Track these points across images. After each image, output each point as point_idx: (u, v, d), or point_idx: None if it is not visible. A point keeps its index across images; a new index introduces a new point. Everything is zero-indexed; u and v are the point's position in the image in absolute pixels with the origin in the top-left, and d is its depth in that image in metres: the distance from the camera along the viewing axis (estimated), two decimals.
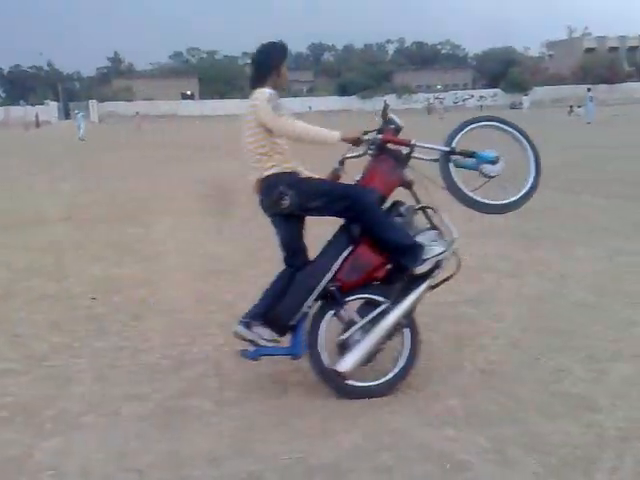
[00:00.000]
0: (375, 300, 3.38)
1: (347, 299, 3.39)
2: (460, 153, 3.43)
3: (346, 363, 3.21)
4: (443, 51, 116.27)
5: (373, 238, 3.35)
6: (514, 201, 3.48)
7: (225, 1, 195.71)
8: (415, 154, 3.47)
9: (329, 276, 3.34)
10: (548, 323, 4.28)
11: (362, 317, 3.34)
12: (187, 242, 7.29)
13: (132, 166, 17.51)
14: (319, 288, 3.34)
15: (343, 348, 3.30)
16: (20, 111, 65.72)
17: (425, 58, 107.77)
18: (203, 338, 4.25)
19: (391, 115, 3.59)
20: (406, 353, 3.39)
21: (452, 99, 73.86)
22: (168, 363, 3.86)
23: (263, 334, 3.38)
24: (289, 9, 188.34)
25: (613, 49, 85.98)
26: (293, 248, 3.51)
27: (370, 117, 52.96)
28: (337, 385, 3.31)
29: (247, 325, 3.40)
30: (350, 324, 3.34)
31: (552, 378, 3.47)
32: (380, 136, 3.48)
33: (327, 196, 3.38)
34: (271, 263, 6.00)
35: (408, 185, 3.48)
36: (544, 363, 3.66)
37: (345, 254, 3.37)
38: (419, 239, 3.36)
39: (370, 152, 3.52)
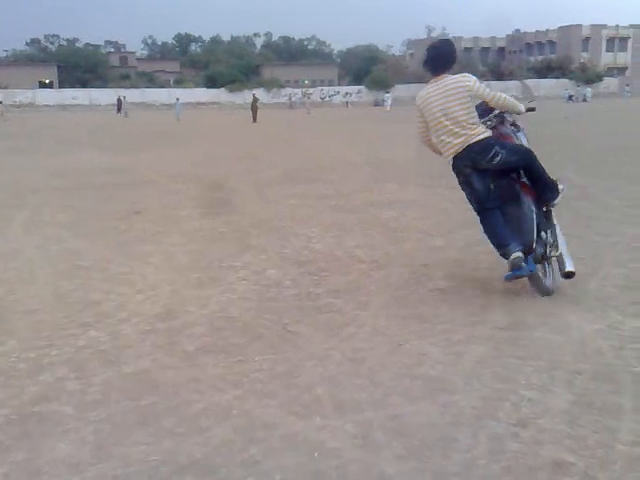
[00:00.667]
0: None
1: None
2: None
3: (571, 263, 4.62)
4: (310, 47, 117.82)
5: (531, 181, 4.76)
6: None
7: None
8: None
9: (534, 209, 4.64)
10: (411, 310, 4.48)
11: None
12: (46, 238, 6.88)
13: None
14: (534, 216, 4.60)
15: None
16: None
17: (292, 53, 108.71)
18: (63, 339, 4.03)
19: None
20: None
21: (319, 95, 75.05)
22: (25, 367, 3.61)
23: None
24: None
25: (468, 49, 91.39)
26: (488, 195, 4.70)
27: (239, 110, 52.27)
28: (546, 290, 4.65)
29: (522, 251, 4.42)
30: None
31: (413, 362, 3.63)
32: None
33: (519, 153, 4.71)
34: (143, 259, 5.91)
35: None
36: (406, 348, 3.83)
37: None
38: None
39: (488, 123, 4.82)
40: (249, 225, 7.47)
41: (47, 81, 76.97)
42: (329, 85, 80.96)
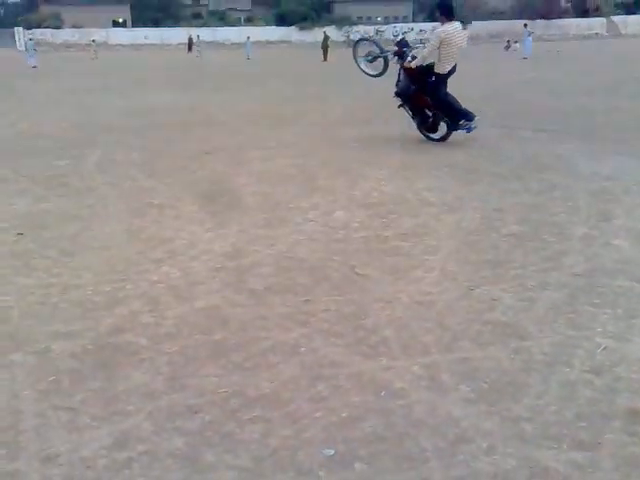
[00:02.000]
0: None
1: None
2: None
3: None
4: None
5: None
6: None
7: None
8: None
9: None
10: (482, 255, 4.37)
11: None
12: (119, 176, 7.04)
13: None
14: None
15: None
16: None
17: None
18: (137, 274, 4.15)
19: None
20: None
21: (392, 32, 72.96)
22: (100, 300, 3.75)
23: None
24: None
25: None
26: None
27: (309, 48, 51.64)
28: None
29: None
30: None
31: (484, 307, 3.56)
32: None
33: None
34: (212, 199, 5.98)
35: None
36: (477, 294, 3.75)
37: None
38: None
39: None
40: (317, 166, 7.42)
41: (120, 20, 77.88)
42: (403, 22, 78.46)
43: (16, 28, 65.67)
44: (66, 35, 66.15)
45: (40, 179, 6.90)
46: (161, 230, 5.10)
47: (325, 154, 8.19)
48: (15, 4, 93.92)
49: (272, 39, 66.39)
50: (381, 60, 8.95)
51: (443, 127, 8.66)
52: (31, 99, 16.53)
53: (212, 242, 4.78)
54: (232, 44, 64.22)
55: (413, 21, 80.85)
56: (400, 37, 9.24)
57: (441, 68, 8.21)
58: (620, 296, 3.66)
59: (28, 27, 65.84)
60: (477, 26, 69.48)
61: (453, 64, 8.22)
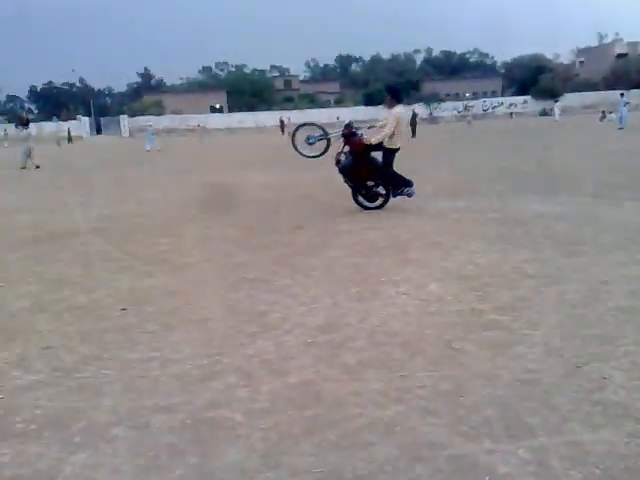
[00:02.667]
0: None
1: None
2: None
3: None
4: (471, 59, 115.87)
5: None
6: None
7: (253, 19, 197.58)
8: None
9: None
10: (589, 330, 4.12)
11: None
12: (215, 251, 7.27)
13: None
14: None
15: None
16: (52, 127, 66.96)
17: (454, 67, 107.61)
18: (233, 348, 4.19)
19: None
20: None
21: (481, 106, 73.30)
22: (198, 373, 3.80)
23: None
24: (317, 24, 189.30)
25: None
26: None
27: None
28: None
29: None
30: None
31: (593, 386, 3.32)
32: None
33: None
34: (305, 272, 6.04)
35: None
36: (585, 371, 3.51)
37: None
38: None
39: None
40: (409, 239, 7.38)
41: (217, 106, 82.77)
42: (492, 97, 78.80)
43: (121, 116, 71.12)
44: (167, 121, 70.99)
45: (142, 256, 7.23)
46: (255, 304, 5.17)
47: (417, 226, 8.16)
48: (121, 94, 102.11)
49: (361, 118, 68.10)
50: (324, 142, 9.93)
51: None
52: (138, 179, 17.61)
53: (305, 316, 4.79)
54: (322, 124, 66.45)
55: (502, 95, 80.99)
56: (348, 121, 9.91)
57: (393, 144, 9.45)
58: None
59: (132, 115, 71.21)
60: (570, 98, 68.84)
61: (404, 140, 9.67)
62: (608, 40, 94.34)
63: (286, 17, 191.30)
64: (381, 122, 9.98)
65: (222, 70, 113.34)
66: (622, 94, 35.99)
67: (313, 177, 16.02)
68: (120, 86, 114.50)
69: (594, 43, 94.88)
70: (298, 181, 15.13)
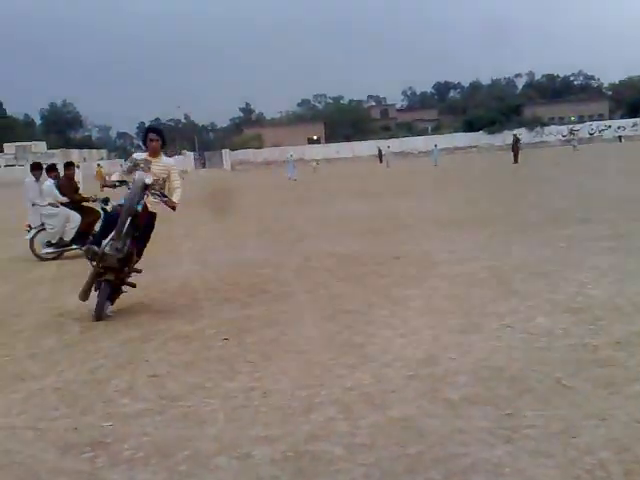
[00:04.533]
0: None
1: None
2: None
3: None
4: (576, 82, 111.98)
5: None
6: None
7: (348, 48, 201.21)
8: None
9: None
10: None
11: None
12: (315, 282, 7.32)
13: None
14: None
15: None
16: None
17: (557, 90, 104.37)
18: (331, 380, 4.17)
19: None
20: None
21: (587, 130, 70.50)
22: (298, 405, 3.80)
23: None
24: (413, 52, 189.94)
25: None
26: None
27: (498, 151, 51.45)
28: None
29: None
30: None
31: None
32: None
33: None
34: (399, 303, 5.96)
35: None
36: None
37: None
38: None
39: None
40: (512, 269, 7.12)
41: (315, 137, 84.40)
42: (599, 120, 75.64)
43: (223, 150, 74.01)
44: (266, 154, 73.20)
45: (244, 286, 7.40)
46: (353, 335, 5.14)
47: (520, 256, 7.86)
48: (223, 129, 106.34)
49: (460, 145, 67.28)
50: None
51: None
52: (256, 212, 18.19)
53: (405, 348, 4.70)
54: (419, 152, 66.20)
55: (610, 118, 77.60)
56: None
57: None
58: None
59: (233, 149, 73.96)
60: None
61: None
62: None
63: (381, 46, 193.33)
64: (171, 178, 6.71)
65: (320, 102, 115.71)
66: None
67: (407, 205, 15.91)
68: (223, 121, 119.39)
69: None
70: (396, 209, 15.05)
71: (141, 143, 6.49)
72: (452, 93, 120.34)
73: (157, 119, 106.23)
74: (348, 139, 79.13)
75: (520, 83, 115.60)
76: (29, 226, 11.00)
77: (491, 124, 72.33)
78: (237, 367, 4.57)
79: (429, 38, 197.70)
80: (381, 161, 53.89)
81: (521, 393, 3.70)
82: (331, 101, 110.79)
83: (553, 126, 72.69)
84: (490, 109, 78.61)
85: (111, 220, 6.29)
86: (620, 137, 65.83)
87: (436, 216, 13.05)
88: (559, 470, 2.81)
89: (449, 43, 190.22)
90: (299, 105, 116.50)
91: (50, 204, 10.86)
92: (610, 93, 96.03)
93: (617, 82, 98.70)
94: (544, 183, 19.46)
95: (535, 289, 6.10)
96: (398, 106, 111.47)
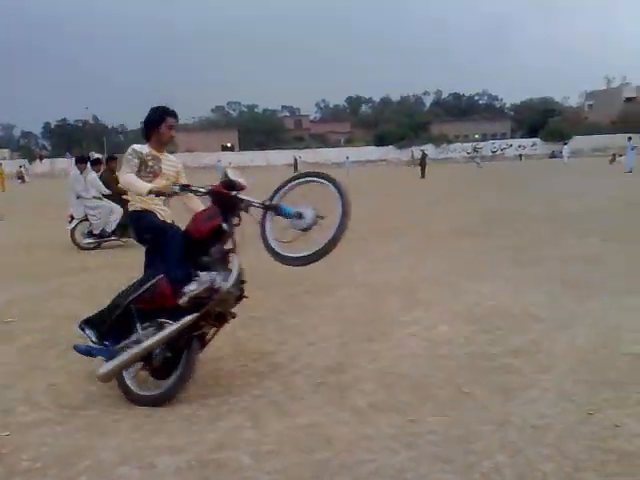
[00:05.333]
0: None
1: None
2: (267, 207, 4.02)
3: (103, 368, 3.94)
4: (480, 102, 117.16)
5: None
6: (314, 252, 3.97)
7: (265, 58, 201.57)
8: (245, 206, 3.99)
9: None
10: (601, 376, 4.06)
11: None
12: None
13: None
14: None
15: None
16: (65, 163, 67.62)
17: (462, 109, 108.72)
18: (240, 388, 4.15)
19: (229, 172, 4.08)
20: (181, 368, 3.92)
21: (490, 148, 73.83)
22: (205, 413, 3.76)
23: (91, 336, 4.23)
24: (327, 65, 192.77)
25: None
26: None
27: (406, 166, 53.04)
28: (129, 393, 3.96)
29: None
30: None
31: (607, 434, 3.25)
32: (210, 187, 4.06)
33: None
34: (309, 311, 6.01)
35: (223, 233, 3.97)
36: (598, 418, 3.45)
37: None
38: (202, 277, 3.86)
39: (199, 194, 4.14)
40: (419, 279, 7.35)
41: (229, 144, 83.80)
42: (501, 139, 79.45)
43: None
44: (180, 159, 71.69)
45: None
46: (263, 343, 5.14)
47: (427, 267, 8.13)
48: (133, 131, 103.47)
49: (371, 158, 68.81)
50: None
51: None
52: None
53: (314, 356, 4.75)
54: (332, 163, 67.12)
55: (511, 137, 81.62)
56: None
57: None
58: None
59: None
60: (579, 141, 69.31)
61: None
62: (615, 84, 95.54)
63: (297, 58, 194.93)
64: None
65: (234, 110, 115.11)
66: (630, 138, 36.25)
67: None
68: (134, 124, 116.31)
69: (602, 87, 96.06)
70: None
71: (144, 132, 4.78)
72: (364, 107, 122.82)
73: (64, 119, 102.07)
74: (262, 148, 79.10)
75: (428, 101, 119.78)
76: (71, 216, 11.43)
77: (400, 139, 74.50)
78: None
79: (343, 52, 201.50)
80: (295, 170, 54.51)
81: (424, 399, 3.83)
82: (245, 109, 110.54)
83: (458, 143, 75.68)
84: (400, 125, 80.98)
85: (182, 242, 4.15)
86: (521, 156, 69.34)
87: (350, 227, 13.23)
88: (458, 475, 2.93)
89: (361, 58, 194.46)
90: (213, 111, 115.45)
91: (94, 197, 11.38)
92: (512, 113, 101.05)
93: (519, 103, 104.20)
94: (448, 199, 20.20)
95: (439, 299, 6.33)
96: (312, 117, 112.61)
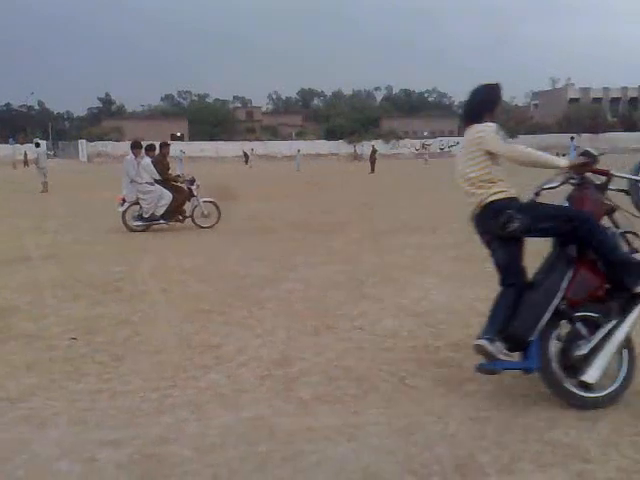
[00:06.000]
0: (595, 318, 3.67)
1: (575, 315, 3.66)
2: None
3: (593, 374, 3.50)
4: (430, 99, 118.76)
5: (599, 257, 3.66)
6: None
7: (217, 48, 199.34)
8: (610, 184, 3.88)
9: (560, 295, 3.60)
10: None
11: (589, 334, 3.63)
12: (170, 281, 7.18)
13: None
14: (553, 306, 3.59)
15: (581, 362, 3.56)
16: (8, 149, 65.40)
17: (413, 105, 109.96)
18: (185, 381, 4.13)
19: (587, 148, 3.89)
20: (625, 369, 3.69)
21: (438, 145, 74.98)
22: (148, 407, 3.72)
23: (502, 349, 3.62)
24: (279, 56, 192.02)
25: (596, 100, 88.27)
26: (513, 269, 3.88)
27: (356, 160, 53.49)
28: (572, 397, 3.58)
29: (491, 340, 3.60)
30: (578, 339, 3.62)
31: (543, 426, 3.38)
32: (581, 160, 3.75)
33: (555, 219, 3.72)
34: (256, 304, 6.01)
35: (611, 211, 3.89)
36: (536, 410, 3.57)
37: (570, 274, 3.64)
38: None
39: (572, 182, 3.88)
40: (364, 274, 7.43)
41: (178, 134, 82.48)
42: (449, 136, 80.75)
43: (80, 140, 70.12)
44: (126, 147, 70.40)
45: (97, 284, 7.09)
46: (210, 336, 5.11)
47: (372, 262, 8.22)
48: (80, 118, 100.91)
49: (322, 152, 68.92)
50: None
51: None
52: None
53: (260, 349, 4.75)
54: (283, 157, 66.97)
55: (459, 135, 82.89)
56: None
57: None
58: None
59: (91, 140, 70.31)
60: (525, 140, 71.12)
61: (470, 203, 4.44)
62: (560, 84, 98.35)
63: (250, 48, 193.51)
64: None
65: (184, 99, 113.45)
66: (572, 138, 37.44)
67: (269, 208, 16.05)
68: (80, 111, 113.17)
69: (547, 87, 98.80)
70: (259, 212, 15.13)
71: (475, 111, 4.04)
72: (316, 100, 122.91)
73: (7, 104, 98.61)
74: (212, 138, 78.19)
75: (379, 96, 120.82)
76: (123, 200, 11.95)
77: (351, 134, 74.84)
78: (84, 368, 4.38)
79: (296, 45, 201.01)
80: (247, 162, 54.31)
81: (367, 392, 3.89)
82: (196, 99, 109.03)
83: (407, 139, 76.55)
84: (351, 119, 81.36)
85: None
86: None
87: (296, 221, 13.28)
88: (399, 465, 2.99)
89: (316, 51, 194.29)
90: (163, 100, 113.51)
91: (147, 182, 11.86)
92: (460, 111, 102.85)
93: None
94: (397, 194, 20.43)
95: (384, 293, 6.42)
96: (263, 109, 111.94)
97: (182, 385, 4.05)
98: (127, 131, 76.37)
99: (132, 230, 11.77)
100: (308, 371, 4.27)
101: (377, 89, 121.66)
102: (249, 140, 72.81)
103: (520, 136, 70.60)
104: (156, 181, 12.01)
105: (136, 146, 12.41)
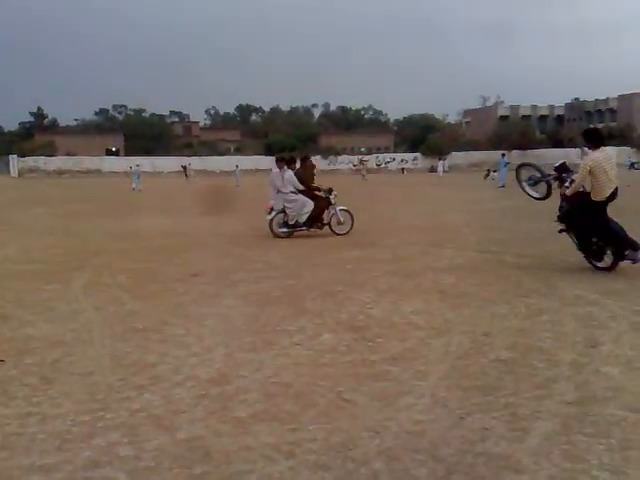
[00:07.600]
0: None
1: None
2: None
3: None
4: (366, 116, 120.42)
5: None
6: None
7: (153, 63, 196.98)
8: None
9: None
10: (472, 381, 4.29)
11: None
12: (105, 299, 6.99)
13: None
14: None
15: None
16: None
17: (350, 122, 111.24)
18: (118, 403, 4.01)
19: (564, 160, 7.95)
20: None
21: (375, 161, 76.04)
22: (79, 430, 3.60)
23: None
24: (217, 72, 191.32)
25: (525, 117, 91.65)
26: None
27: None
28: None
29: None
30: None
31: (476, 437, 3.44)
32: None
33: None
34: (194, 322, 5.92)
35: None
36: (469, 422, 3.64)
37: None
38: None
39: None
40: (304, 289, 7.44)
41: (114, 149, 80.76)
42: (385, 152, 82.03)
43: (10, 156, 67.71)
44: (59, 162, 68.60)
45: (27, 303, 6.83)
46: (145, 355, 5.00)
47: (312, 276, 8.24)
48: (11, 133, 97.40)
49: (260, 167, 68.62)
50: (543, 184, 8.83)
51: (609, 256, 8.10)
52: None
53: (197, 367, 4.68)
54: (221, 172, 66.48)
55: (394, 151, 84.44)
56: (560, 162, 8.64)
57: (596, 196, 7.99)
58: (613, 425, 3.56)
59: (22, 155, 67.98)
60: (457, 156, 72.97)
61: (610, 191, 7.93)
62: (491, 103, 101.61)
63: (186, 64, 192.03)
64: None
65: (120, 113, 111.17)
66: (503, 154, 38.69)
67: (207, 223, 15.90)
68: (11, 125, 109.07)
69: (478, 105, 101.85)
70: (196, 227, 14.95)
71: (592, 140, 8.20)
72: (254, 116, 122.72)
73: None
74: (149, 153, 76.83)
75: (317, 112, 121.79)
76: (271, 208, 13.13)
77: (290, 150, 75.03)
78: (12, 391, 4.21)
79: (232, 59, 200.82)
80: (187, 177, 53.93)
81: (305, 408, 3.88)
82: (132, 113, 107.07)
83: (345, 155, 77.33)
84: (289, 135, 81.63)
85: None
86: (403, 169, 71.92)
87: (232, 234, 13.22)
88: None
89: (252, 66, 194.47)
90: (97, 114, 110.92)
91: (291, 192, 12.87)
92: (395, 128, 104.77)
93: (401, 118, 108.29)
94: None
95: (323, 308, 6.44)
96: (201, 124, 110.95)
97: (115, 407, 3.93)
98: (60, 146, 74.26)
99: (277, 236, 12.82)
100: (245, 389, 4.23)
101: (314, 106, 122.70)
102: (187, 156, 71.90)
103: (453, 153, 72.60)
104: (301, 192, 12.97)
105: (280, 160, 13.75)
